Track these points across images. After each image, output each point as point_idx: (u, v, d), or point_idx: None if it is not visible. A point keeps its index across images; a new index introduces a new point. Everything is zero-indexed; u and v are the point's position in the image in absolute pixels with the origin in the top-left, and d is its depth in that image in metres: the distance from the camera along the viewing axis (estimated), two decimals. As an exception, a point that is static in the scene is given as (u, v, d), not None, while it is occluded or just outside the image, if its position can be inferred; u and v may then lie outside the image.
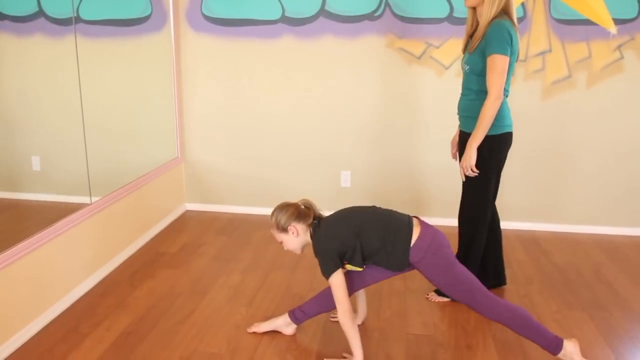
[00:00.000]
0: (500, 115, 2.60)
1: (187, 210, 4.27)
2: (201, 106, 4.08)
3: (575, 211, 3.92)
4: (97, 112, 3.08)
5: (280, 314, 2.58)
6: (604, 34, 3.58)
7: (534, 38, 3.64)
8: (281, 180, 4.14)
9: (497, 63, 2.49)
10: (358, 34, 3.78)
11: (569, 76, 3.68)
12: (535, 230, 3.93)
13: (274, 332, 2.52)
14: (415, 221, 2.28)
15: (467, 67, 2.65)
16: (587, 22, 3.58)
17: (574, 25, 3.59)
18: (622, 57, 3.60)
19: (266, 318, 2.60)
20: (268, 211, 4.10)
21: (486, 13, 2.52)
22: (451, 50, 3.72)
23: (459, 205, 2.84)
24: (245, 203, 4.22)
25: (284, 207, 2.36)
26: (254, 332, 2.52)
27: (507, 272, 3.05)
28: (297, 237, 2.32)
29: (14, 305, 2.40)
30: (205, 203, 4.28)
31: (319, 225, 2.31)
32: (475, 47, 2.57)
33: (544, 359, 2.33)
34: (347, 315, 2.22)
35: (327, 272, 2.23)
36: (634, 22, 3.54)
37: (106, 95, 3.22)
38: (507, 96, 2.65)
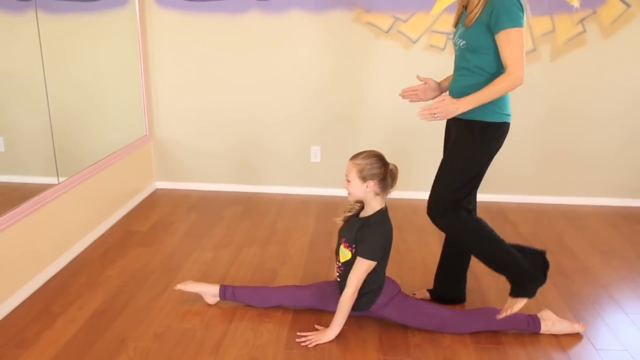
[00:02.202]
0: (504, 101, 2.25)
1: (158, 189, 4.24)
2: (168, 83, 4.03)
3: (539, 182, 4.02)
4: (62, 90, 3.03)
5: (253, 288, 2.62)
6: (567, 7, 3.64)
7: (500, 12, 3.67)
8: (250, 156, 4.14)
9: (512, 37, 2.10)
10: (325, 8, 3.77)
11: (534, 49, 3.74)
12: (501, 202, 4.03)
13: (247, 308, 2.55)
14: None
15: (462, 43, 2.24)
16: (551, -5, 3.64)
17: (538, -2, 3.64)
18: (584, 31, 3.67)
19: (239, 293, 2.64)
20: (239, 188, 4.20)
21: None
22: (418, 24, 3.74)
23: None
24: (215, 180, 4.21)
25: (378, 161, 2.23)
26: (181, 290, 2.57)
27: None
28: (366, 191, 2.25)
29: (-17, 287, 2.38)
30: (175, 181, 4.26)
31: (386, 209, 2.32)
32: (474, 19, 2.16)
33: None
34: (353, 298, 2.27)
35: (371, 256, 2.24)
36: (596, -4, 3.61)
37: (70, 73, 3.16)
38: None
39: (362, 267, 2.24)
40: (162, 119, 4.12)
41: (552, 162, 3.96)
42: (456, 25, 2.36)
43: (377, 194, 2.26)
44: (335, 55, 3.85)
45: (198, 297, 2.61)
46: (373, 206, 2.29)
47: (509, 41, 2.11)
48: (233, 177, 4.19)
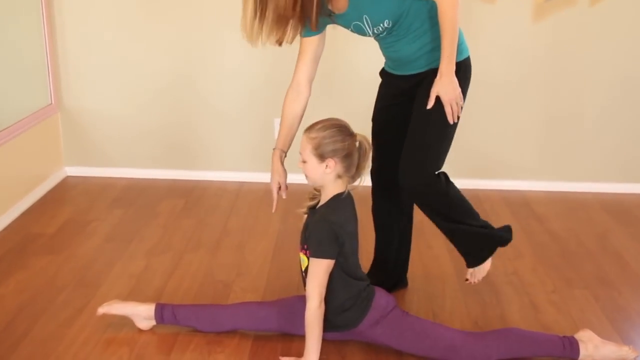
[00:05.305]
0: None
1: (68, 176, 4.21)
2: (81, 36, 3.97)
3: (575, 165, 4.06)
4: None
5: (199, 308, 2.61)
6: None
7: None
8: (193, 133, 4.11)
9: None
10: None
11: (567, -11, 3.77)
12: (525, 190, 4.06)
13: (192, 333, 2.54)
14: None
15: (386, 23, 2.37)
16: None
17: None
18: (633, -35, 3.71)
19: (181, 314, 2.62)
20: (178, 174, 4.17)
21: None
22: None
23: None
24: (147, 165, 4.19)
25: (340, 133, 2.24)
26: (105, 314, 2.52)
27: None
28: (325, 172, 2.26)
29: None
30: (92, 166, 4.22)
31: (347, 196, 2.32)
32: None
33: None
34: (319, 311, 2.25)
35: (321, 254, 2.24)
36: None
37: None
38: None
39: (317, 271, 2.25)
40: (72, 83, 4.06)
41: (590, 138, 3.99)
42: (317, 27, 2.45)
43: (339, 176, 2.28)
44: None
45: (126, 321, 2.58)
46: (329, 192, 2.31)
47: None
48: (170, 161, 4.17)
